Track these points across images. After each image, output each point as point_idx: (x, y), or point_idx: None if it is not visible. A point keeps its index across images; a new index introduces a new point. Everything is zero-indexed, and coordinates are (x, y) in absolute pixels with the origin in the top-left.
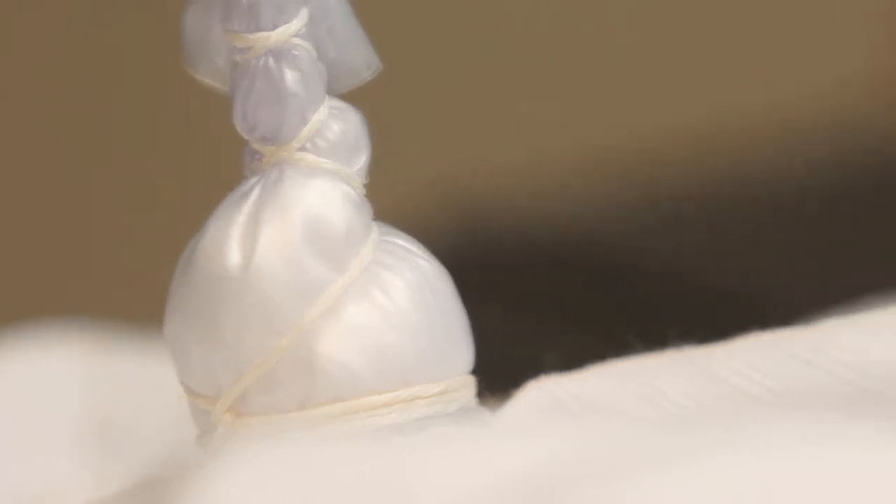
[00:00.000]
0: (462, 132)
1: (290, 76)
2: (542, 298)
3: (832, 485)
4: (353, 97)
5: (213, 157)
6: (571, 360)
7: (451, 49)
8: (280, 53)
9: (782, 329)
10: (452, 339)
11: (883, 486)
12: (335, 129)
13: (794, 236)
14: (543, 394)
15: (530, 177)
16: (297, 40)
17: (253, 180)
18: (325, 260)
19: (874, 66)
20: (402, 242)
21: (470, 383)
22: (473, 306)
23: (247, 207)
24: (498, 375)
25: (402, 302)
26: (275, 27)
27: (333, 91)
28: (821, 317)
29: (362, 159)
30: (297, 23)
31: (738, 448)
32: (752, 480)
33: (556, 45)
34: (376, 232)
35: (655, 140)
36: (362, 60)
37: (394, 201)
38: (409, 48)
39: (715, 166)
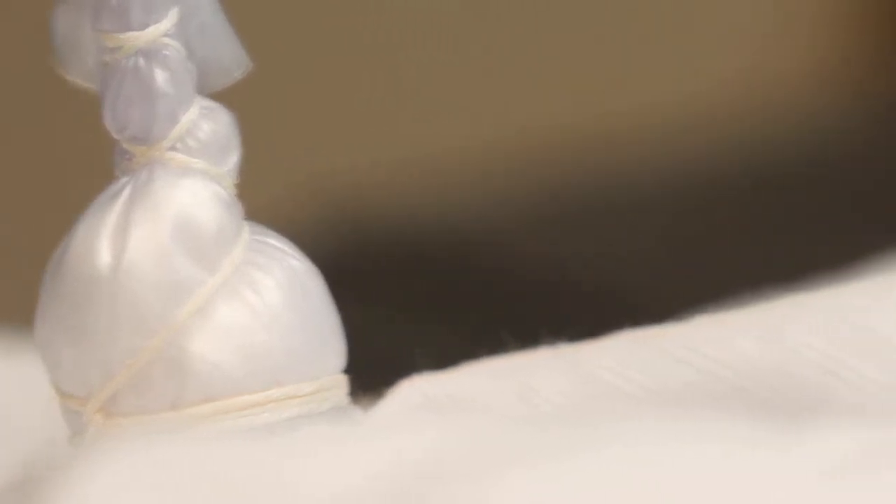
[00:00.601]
0: (338, 131)
1: (160, 76)
2: (416, 297)
3: (702, 482)
4: (228, 97)
5: (84, 158)
6: (444, 358)
7: (325, 47)
8: (150, 53)
9: (654, 326)
10: (324, 339)
11: (754, 485)
12: (206, 128)
13: (666, 235)
14: (416, 392)
15: (405, 176)
16: (167, 40)
17: (123, 180)
18: (195, 260)
19: (754, 68)
20: (273, 242)
21: (342, 382)
22: (346, 305)
23: (117, 208)
24: (371, 374)
25: (274, 301)
26: (145, 27)
27: (204, 90)
28: (693, 314)
29: (233, 159)
30: (167, 22)
31: (607, 444)
32: (622, 476)
33: (431, 42)
34: (248, 232)
35: (531, 140)
36: (232, 59)
37: (269, 201)
38: (281, 47)
39: (587, 166)
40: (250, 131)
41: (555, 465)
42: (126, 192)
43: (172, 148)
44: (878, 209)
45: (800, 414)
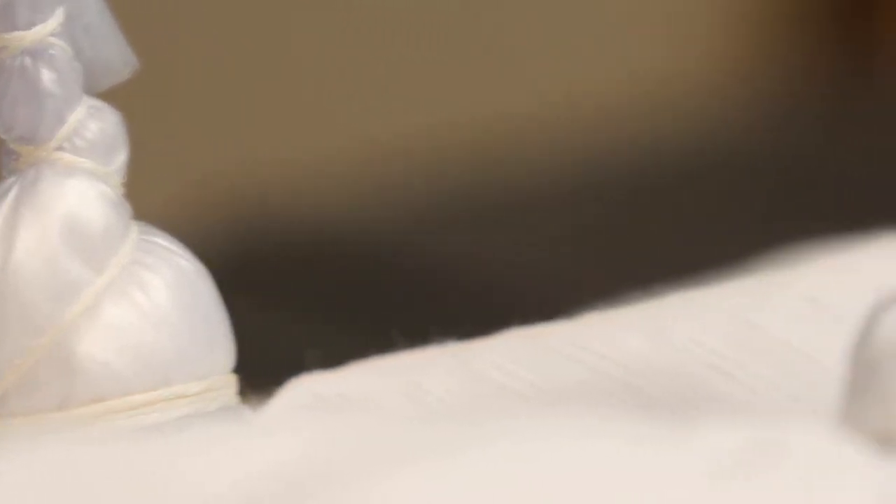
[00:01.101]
0: (235, 131)
1: (46, 76)
2: (305, 295)
3: (591, 479)
4: (127, 96)
5: None
6: (334, 357)
7: (224, 47)
8: (36, 53)
9: (543, 324)
10: (213, 338)
11: (643, 483)
12: (93, 128)
13: (557, 233)
14: (305, 392)
15: (299, 175)
16: (53, 39)
17: (10, 181)
18: (83, 260)
19: (647, 67)
20: (162, 242)
21: (231, 382)
22: (239, 304)
23: (4, 208)
24: (261, 373)
25: (162, 301)
26: (31, 26)
27: (91, 90)
28: (582, 312)
29: (120, 158)
30: (53, 22)
31: (494, 442)
32: (509, 474)
33: (330, 39)
34: (136, 231)
35: (425, 140)
36: (119, 59)
37: (167, 200)
38: (180, 46)
39: (482, 164)
40: (149, 131)
41: (442, 462)
42: (13, 193)
43: (60, 148)
44: (770, 208)
45: (689, 412)
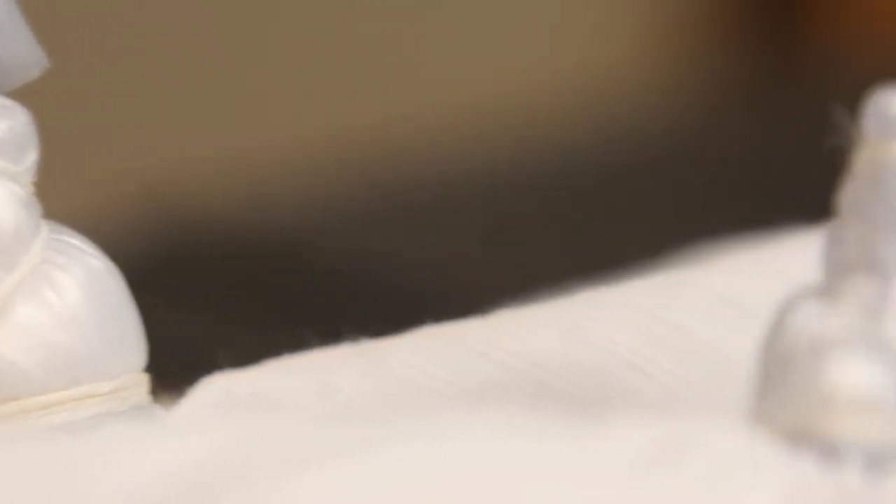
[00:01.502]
0: (157, 128)
1: None
2: (218, 294)
3: (504, 477)
4: (49, 94)
5: None
6: (246, 356)
7: (135, 44)
8: None
9: (456, 322)
10: (124, 338)
11: (556, 479)
12: (2, 127)
13: (469, 230)
14: (218, 390)
15: (210, 172)
16: None
17: None
18: None
19: (570, 65)
20: (73, 241)
21: (143, 381)
22: (148, 303)
23: None
24: (173, 372)
25: (73, 300)
26: None
27: (0, 89)
28: (495, 310)
29: (31, 157)
30: None
31: (404, 440)
32: (423, 472)
33: (252, 36)
34: (46, 231)
35: (347, 139)
36: (29, 57)
37: (86, 198)
38: (89, 43)
39: (392, 162)
40: (61, 130)
41: (351, 461)
42: None
43: None
44: (691, 204)
45: (603, 409)
